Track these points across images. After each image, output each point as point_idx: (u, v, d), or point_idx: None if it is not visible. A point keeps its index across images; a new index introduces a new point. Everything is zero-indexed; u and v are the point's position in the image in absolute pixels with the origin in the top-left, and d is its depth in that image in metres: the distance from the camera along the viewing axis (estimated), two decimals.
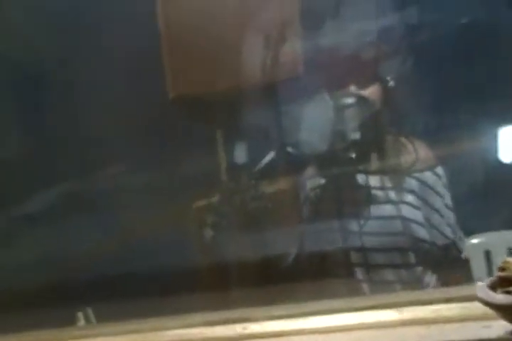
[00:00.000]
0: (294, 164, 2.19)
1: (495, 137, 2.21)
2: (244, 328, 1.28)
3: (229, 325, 1.29)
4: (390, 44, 2.23)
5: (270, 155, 2.19)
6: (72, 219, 2.30)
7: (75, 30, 2.46)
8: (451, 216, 2.18)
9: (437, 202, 2.16)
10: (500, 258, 2.51)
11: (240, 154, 2.35)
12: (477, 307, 1.22)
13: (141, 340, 1.35)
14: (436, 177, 2.16)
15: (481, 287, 1.18)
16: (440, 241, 2.17)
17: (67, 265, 2.16)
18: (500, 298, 1.13)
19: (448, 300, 1.24)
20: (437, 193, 2.16)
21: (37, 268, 2.15)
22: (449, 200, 2.18)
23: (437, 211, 2.16)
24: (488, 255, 2.53)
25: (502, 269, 1.19)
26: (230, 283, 2.34)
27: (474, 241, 2.47)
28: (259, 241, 2.23)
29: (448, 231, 2.18)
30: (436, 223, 2.16)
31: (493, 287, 1.17)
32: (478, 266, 2.41)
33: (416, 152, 2.13)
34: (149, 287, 2.18)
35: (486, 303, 1.16)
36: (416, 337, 1.18)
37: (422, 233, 2.18)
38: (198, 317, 1.35)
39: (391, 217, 2.17)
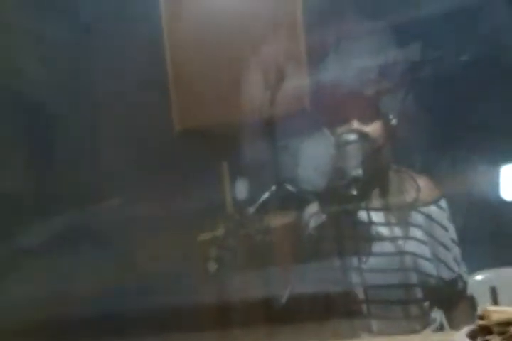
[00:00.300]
0: (295, 200, 2.19)
1: (497, 174, 2.19)
2: None
3: None
4: (392, 81, 2.23)
5: (270, 191, 2.19)
6: (72, 253, 2.32)
7: (81, 63, 2.49)
8: (456, 250, 2.17)
9: (443, 236, 2.16)
10: (506, 295, 2.50)
11: (244, 188, 2.35)
12: None
13: None
14: (441, 210, 2.16)
15: (460, 335, 1.18)
16: (447, 275, 2.16)
17: (66, 300, 2.17)
18: None
19: None
20: (442, 227, 2.16)
21: (35, 302, 2.16)
22: (453, 234, 2.18)
23: (443, 245, 2.15)
24: (493, 292, 2.51)
25: (481, 318, 1.18)
26: (231, 320, 2.34)
27: (479, 277, 2.46)
28: (261, 278, 2.23)
29: (454, 265, 2.17)
30: (442, 257, 2.16)
31: (473, 335, 1.17)
32: (483, 302, 2.39)
33: (418, 186, 2.13)
34: (150, 323, 2.18)
35: None
36: None
37: (430, 268, 2.17)
38: None
39: (400, 253, 2.16)
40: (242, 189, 2.37)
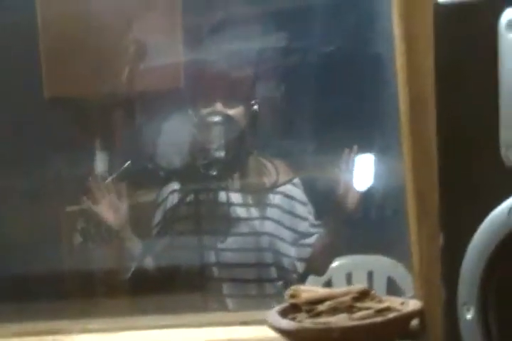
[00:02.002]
0: (156, 177, 2.24)
1: (352, 163, 2.28)
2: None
3: (39, 337, 1.32)
4: (259, 69, 2.30)
5: (124, 167, 2.23)
6: None
7: None
8: (312, 219, 2.26)
9: (302, 210, 2.25)
10: (360, 282, 2.61)
11: (106, 163, 2.38)
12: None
13: None
14: (296, 187, 2.25)
15: (271, 313, 1.26)
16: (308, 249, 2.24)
17: None
18: (284, 323, 1.21)
19: (243, 323, 1.30)
20: (300, 202, 2.25)
21: None
22: (311, 208, 2.27)
23: (303, 218, 2.24)
24: (349, 277, 2.62)
25: (292, 296, 1.26)
26: (94, 290, 2.37)
27: (336, 263, 2.55)
28: (117, 253, 2.27)
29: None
30: (302, 230, 2.24)
31: (284, 313, 1.25)
32: (339, 287, 2.49)
33: (276, 169, 2.21)
34: (13, 291, 2.19)
35: (273, 328, 1.23)
36: None
37: (286, 248, 2.26)
38: (7, 328, 1.38)
39: (256, 233, 2.24)
40: (103, 163, 2.39)
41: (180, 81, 2.38)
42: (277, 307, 1.26)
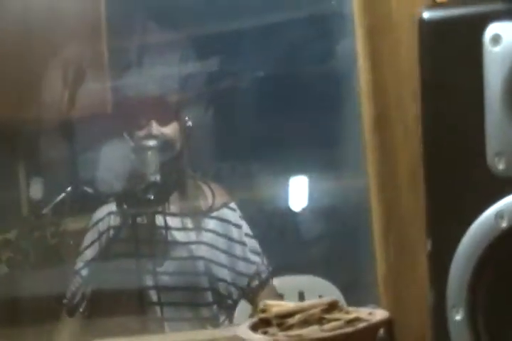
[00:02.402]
0: (92, 203, 2.22)
1: (286, 185, 2.33)
2: None
3: None
4: (190, 89, 2.33)
5: (66, 192, 2.21)
6: None
7: None
8: (252, 242, 2.28)
9: (237, 234, 2.27)
10: (292, 301, 2.64)
11: (40, 189, 2.36)
12: None
13: None
14: (232, 211, 2.27)
15: (242, 328, 1.27)
16: (248, 269, 2.26)
17: None
18: (257, 338, 1.22)
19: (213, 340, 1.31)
20: (236, 225, 2.27)
21: None
22: (247, 229, 2.29)
23: (239, 241, 2.26)
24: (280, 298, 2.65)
25: (262, 311, 1.28)
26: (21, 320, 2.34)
27: None
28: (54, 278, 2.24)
29: (253, 257, 2.28)
30: (240, 253, 2.26)
31: (255, 328, 1.27)
32: None
33: (213, 193, 2.23)
34: None
35: None
36: None
37: (222, 273, 2.27)
38: None
39: (192, 257, 2.25)
40: (38, 189, 2.37)
41: (109, 106, 2.38)
42: (247, 323, 1.28)
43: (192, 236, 2.26)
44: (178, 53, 2.36)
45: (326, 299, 1.27)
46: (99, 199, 2.19)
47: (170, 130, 2.22)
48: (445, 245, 0.89)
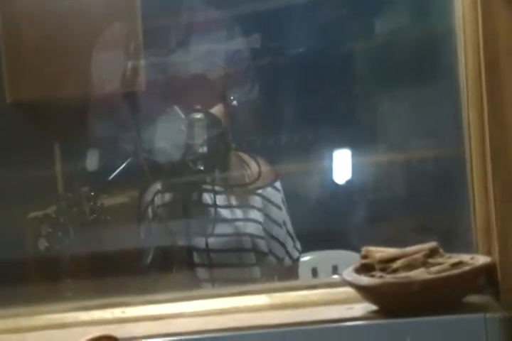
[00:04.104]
0: (139, 177, 2.25)
1: (330, 158, 2.37)
2: (123, 312, 1.33)
3: (106, 309, 1.33)
4: (235, 68, 2.36)
5: (127, 161, 2.23)
6: None
7: None
8: (289, 227, 2.32)
9: (277, 215, 2.29)
10: (325, 275, 2.68)
11: (78, 165, 2.38)
12: (340, 292, 1.34)
13: (14, 325, 1.36)
14: (276, 192, 2.30)
15: (347, 272, 1.31)
16: (279, 251, 2.29)
17: None
18: (366, 280, 1.27)
19: (313, 287, 1.35)
20: (277, 206, 2.29)
21: None
22: (286, 214, 2.32)
23: (277, 223, 2.29)
24: (314, 272, 2.70)
25: (364, 257, 1.33)
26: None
27: (302, 259, 2.62)
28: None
29: (285, 241, 2.31)
30: (275, 234, 2.29)
31: (358, 273, 1.31)
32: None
33: (259, 168, 2.26)
34: None
35: (353, 285, 1.29)
36: (286, 318, 1.29)
37: (265, 247, 2.30)
38: (73, 303, 1.38)
39: (239, 234, 2.27)
40: (73, 166, 2.38)
41: (143, 84, 2.40)
42: (350, 268, 1.32)
43: (238, 213, 2.29)
44: (222, 32, 2.39)
45: (427, 245, 1.32)
46: (153, 170, 2.21)
47: (215, 110, 2.25)
48: None
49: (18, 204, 2.48)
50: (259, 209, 2.28)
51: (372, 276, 1.28)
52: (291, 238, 2.33)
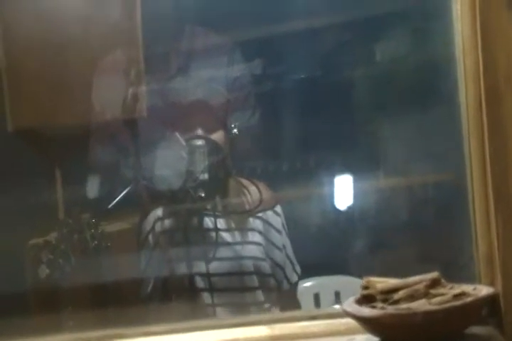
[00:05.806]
0: (139, 204, 2.25)
1: (331, 184, 2.36)
2: None
3: None
4: (236, 94, 2.36)
5: (128, 188, 2.22)
6: None
7: None
8: (288, 251, 2.31)
9: (277, 239, 2.29)
10: (327, 301, 2.66)
11: (79, 192, 2.37)
12: (341, 323, 1.33)
13: None
14: (277, 216, 2.30)
15: (348, 303, 1.30)
16: (278, 275, 2.29)
17: None
18: (367, 311, 1.25)
19: (314, 318, 1.34)
20: (277, 230, 2.29)
21: None
22: (286, 237, 2.31)
23: (276, 247, 2.28)
24: (317, 297, 2.68)
25: (365, 287, 1.31)
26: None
27: (305, 284, 2.61)
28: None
29: (284, 265, 2.30)
30: (276, 258, 2.28)
31: (360, 304, 1.29)
32: (307, 307, 2.56)
33: (260, 193, 2.25)
34: None
35: (354, 317, 1.27)
36: None
37: (269, 270, 2.29)
38: (72, 335, 1.37)
39: (239, 257, 2.27)
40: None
41: (144, 110, 2.40)
42: (351, 299, 1.31)
43: (238, 236, 2.28)
44: (223, 58, 2.39)
45: (429, 275, 1.30)
46: (153, 197, 2.20)
47: (216, 136, 2.26)
48: None
49: (18, 231, 2.48)
50: (260, 232, 2.28)
51: (374, 307, 1.26)
52: (291, 262, 2.32)
